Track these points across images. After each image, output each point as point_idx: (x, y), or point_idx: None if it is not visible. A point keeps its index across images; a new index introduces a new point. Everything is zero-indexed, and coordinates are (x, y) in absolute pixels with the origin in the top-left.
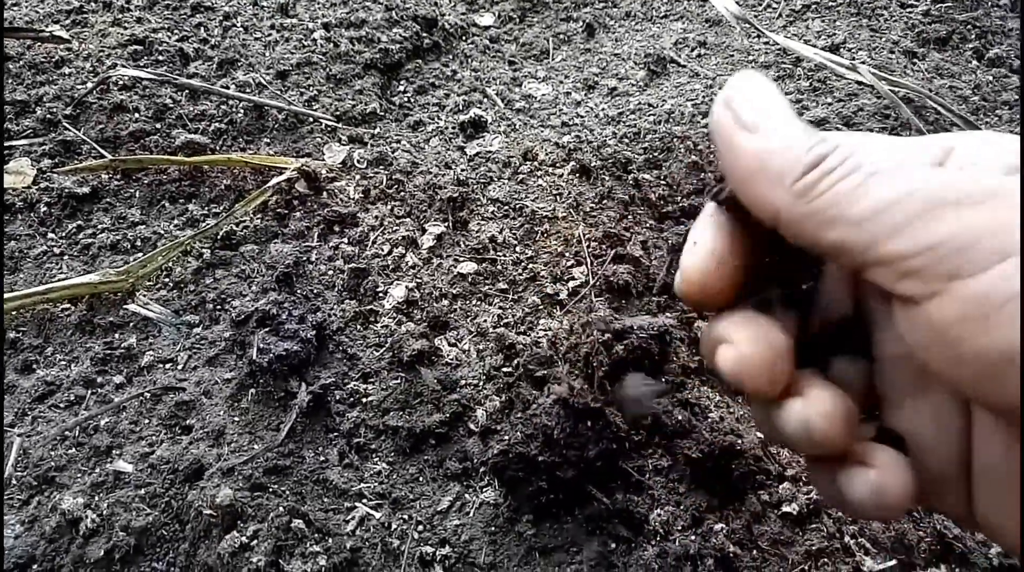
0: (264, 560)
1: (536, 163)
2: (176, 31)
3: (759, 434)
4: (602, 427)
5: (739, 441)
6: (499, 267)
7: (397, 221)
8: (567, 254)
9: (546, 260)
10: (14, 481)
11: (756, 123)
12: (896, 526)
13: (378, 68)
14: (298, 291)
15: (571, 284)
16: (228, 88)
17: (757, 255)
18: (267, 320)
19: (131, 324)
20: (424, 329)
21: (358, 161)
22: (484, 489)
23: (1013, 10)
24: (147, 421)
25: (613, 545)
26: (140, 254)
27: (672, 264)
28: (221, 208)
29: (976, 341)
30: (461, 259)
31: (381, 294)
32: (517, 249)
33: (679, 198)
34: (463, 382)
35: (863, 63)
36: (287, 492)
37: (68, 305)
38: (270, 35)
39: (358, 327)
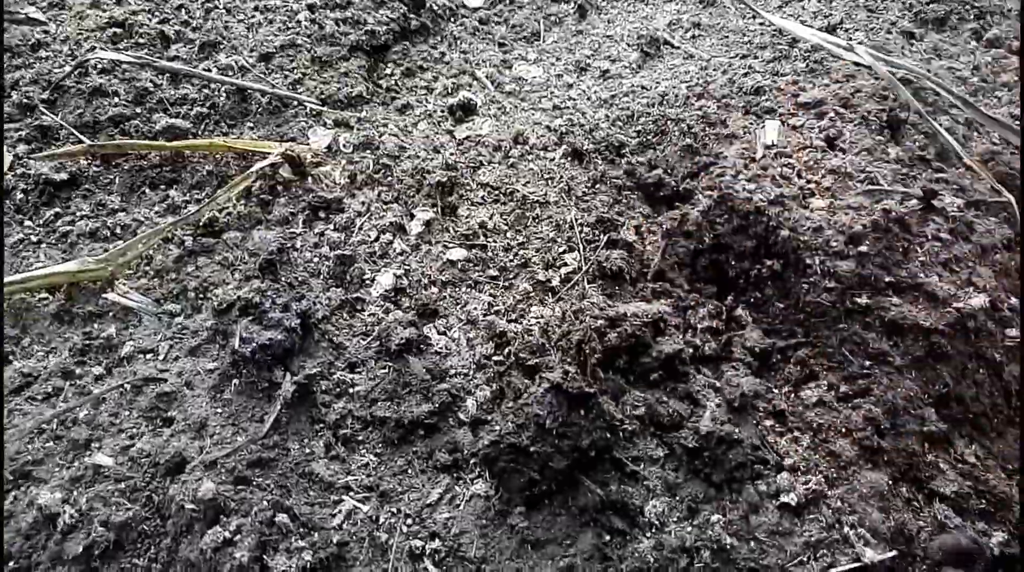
0: (248, 556)
1: (527, 147)
2: (156, 13)
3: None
4: (595, 416)
5: (736, 430)
6: (489, 253)
7: (384, 207)
8: (559, 240)
9: (537, 246)
10: None
11: None
12: (896, 516)
13: (364, 50)
14: (282, 279)
15: (563, 270)
16: (210, 71)
17: None
18: (250, 309)
19: (110, 313)
20: (412, 317)
21: (344, 145)
22: (475, 481)
23: None
24: (127, 413)
25: (607, 537)
26: (120, 242)
27: (666, 250)
28: (203, 194)
29: None
30: (450, 245)
31: (368, 282)
32: (508, 235)
33: (673, 182)
34: (453, 371)
35: (860, 44)
36: (271, 485)
37: (46, 294)
38: (253, 17)
39: (344, 316)
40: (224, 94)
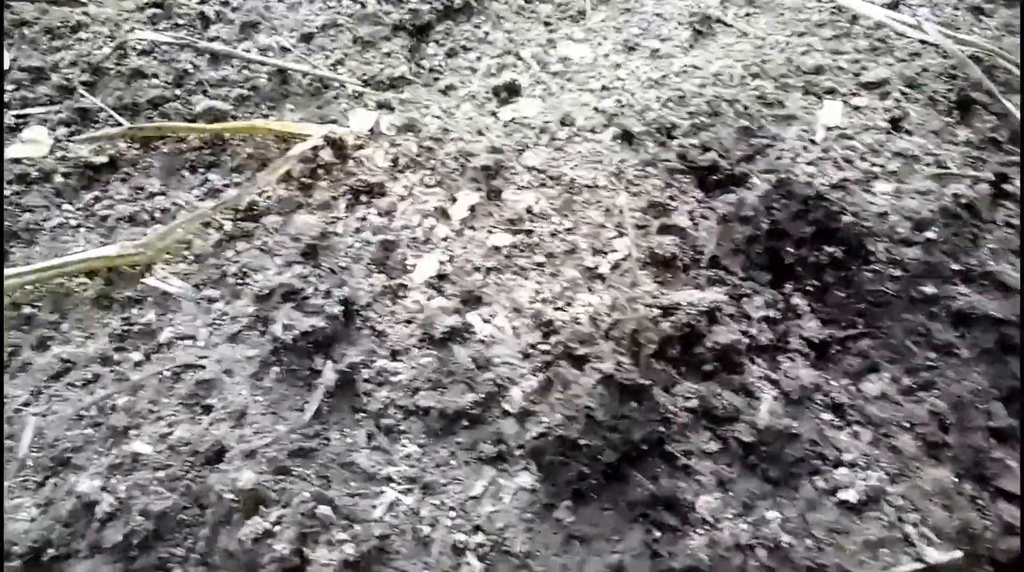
0: (288, 548)
1: (574, 129)
2: None
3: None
4: (648, 408)
5: (794, 424)
6: (535, 239)
7: (427, 190)
8: (608, 225)
9: (585, 231)
10: (29, 462)
11: None
12: (960, 515)
13: (407, 30)
14: (323, 264)
15: (612, 257)
16: (250, 52)
17: None
18: (291, 295)
19: (149, 299)
20: (456, 304)
21: (386, 128)
22: (520, 473)
23: None
24: (166, 400)
25: (657, 533)
26: (159, 226)
27: (721, 235)
28: (243, 178)
29: None
30: (495, 230)
31: (411, 267)
32: (555, 220)
33: (728, 165)
34: (498, 360)
35: (927, 20)
36: (312, 476)
37: (85, 279)
38: None
39: (387, 302)
40: (264, 75)
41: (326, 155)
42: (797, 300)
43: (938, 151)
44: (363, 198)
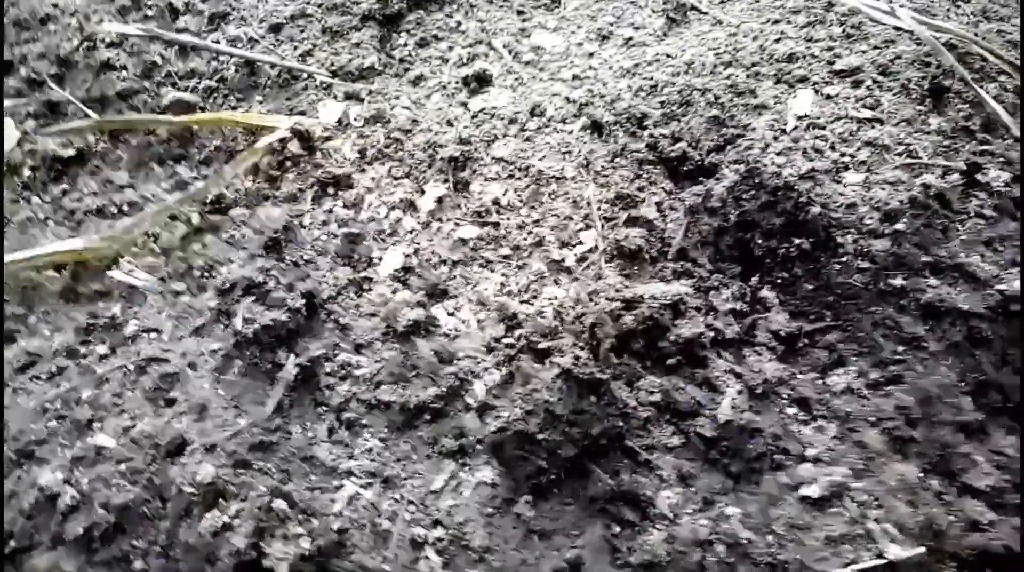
0: (245, 541)
1: (544, 119)
2: None
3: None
4: (607, 403)
5: (757, 418)
6: (502, 231)
7: (395, 182)
8: (576, 217)
9: (553, 223)
10: None
11: None
12: (925, 510)
13: (377, 19)
14: (287, 257)
15: (579, 249)
16: (219, 43)
17: None
18: (253, 288)
19: (116, 292)
20: (421, 297)
21: (355, 119)
22: (481, 468)
23: None
24: (130, 393)
25: (617, 528)
26: (127, 219)
27: (689, 227)
28: (211, 170)
29: None
30: (462, 223)
31: (376, 260)
32: (522, 212)
33: (698, 156)
34: (461, 354)
35: (902, 6)
36: (272, 469)
37: (52, 272)
38: None
39: (351, 295)
40: (233, 67)
41: (294, 147)
42: (765, 292)
43: (910, 140)
44: (330, 190)
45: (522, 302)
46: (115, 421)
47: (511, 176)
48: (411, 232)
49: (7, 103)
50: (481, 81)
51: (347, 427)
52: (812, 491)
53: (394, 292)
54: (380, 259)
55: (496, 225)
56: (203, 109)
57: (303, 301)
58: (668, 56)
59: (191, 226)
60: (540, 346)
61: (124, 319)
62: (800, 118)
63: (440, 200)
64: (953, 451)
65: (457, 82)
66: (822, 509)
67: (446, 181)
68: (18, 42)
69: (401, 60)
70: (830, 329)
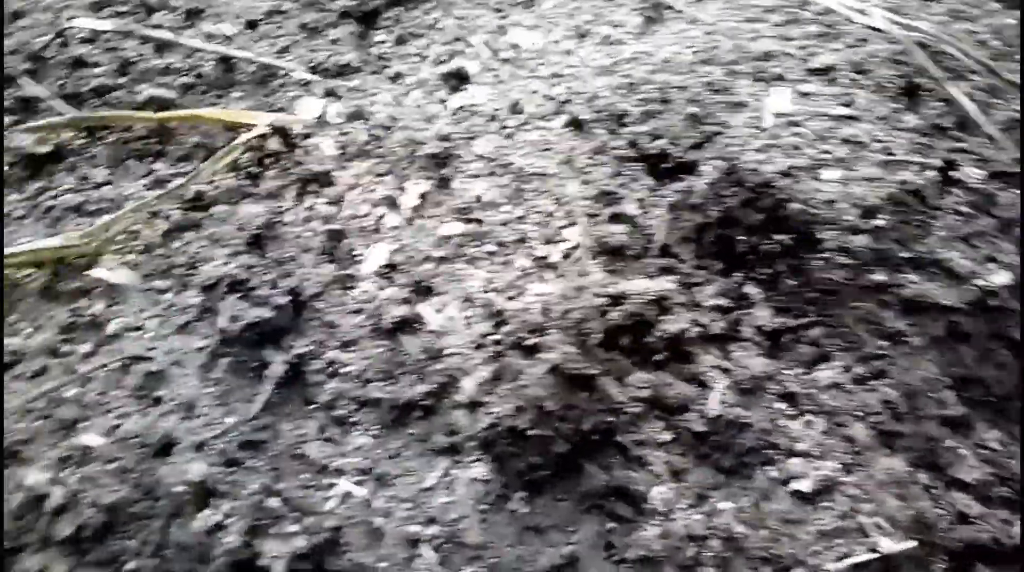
0: (238, 540)
1: (524, 116)
2: None
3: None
4: (597, 398)
5: (745, 414)
6: (486, 228)
7: (376, 179)
8: (558, 214)
9: (536, 220)
10: None
11: None
12: (914, 504)
13: (354, 16)
14: (270, 255)
15: (563, 246)
16: (195, 40)
17: None
18: (237, 285)
19: (97, 290)
20: (407, 294)
21: (334, 116)
22: (473, 464)
23: None
24: (115, 392)
25: (611, 524)
26: (106, 216)
27: (671, 224)
28: (190, 167)
29: None
30: (445, 219)
31: (360, 257)
32: (505, 208)
33: (678, 153)
34: (449, 351)
35: (875, 6)
36: (263, 468)
37: (31, 270)
38: None
39: (336, 292)
40: (210, 63)
41: (273, 144)
42: (749, 288)
43: (885, 138)
44: (311, 187)
45: (508, 299)
46: (101, 420)
47: (493, 173)
48: (394, 229)
49: None
50: (460, 78)
51: (337, 424)
52: (803, 485)
53: (379, 289)
54: (364, 256)
55: (479, 222)
56: (180, 106)
57: (288, 298)
58: (646, 54)
59: (171, 223)
60: (528, 342)
61: (106, 317)
62: (777, 115)
63: (423, 197)
64: (939, 445)
65: (436, 79)
66: (813, 503)
67: (428, 178)
68: None
69: (379, 57)
70: (814, 324)
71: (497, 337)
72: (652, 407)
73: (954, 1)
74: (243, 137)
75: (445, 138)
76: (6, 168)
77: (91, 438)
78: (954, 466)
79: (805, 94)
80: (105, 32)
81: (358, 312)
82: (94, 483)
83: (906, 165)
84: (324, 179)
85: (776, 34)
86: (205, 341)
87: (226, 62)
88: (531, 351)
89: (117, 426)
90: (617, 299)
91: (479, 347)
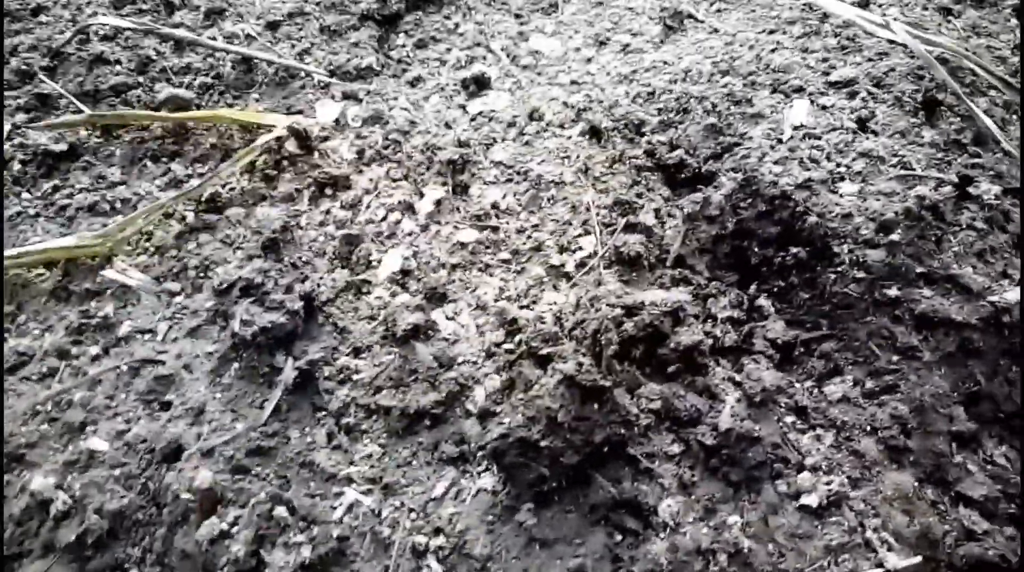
0: (244, 550)
1: (543, 124)
2: None
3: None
4: (610, 410)
5: (756, 427)
6: (501, 235)
7: (393, 184)
8: (574, 222)
9: (552, 229)
10: None
11: None
12: (921, 520)
13: (375, 19)
14: (285, 258)
15: (578, 255)
16: (215, 39)
17: None
18: (251, 289)
19: (109, 291)
20: (420, 301)
21: (352, 119)
22: (482, 475)
23: None
24: (124, 396)
25: (619, 537)
26: (120, 216)
27: (687, 235)
28: (206, 168)
29: None
30: (461, 226)
31: (375, 263)
32: (521, 216)
33: (695, 163)
34: (461, 359)
35: (895, 20)
36: (271, 475)
37: (43, 270)
38: None
39: (349, 298)
40: (229, 63)
41: (291, 146)
42: (762, 301)
43: (903, 152)
44: (328, 191)
45: (522, 307)
46: (108, 424)
47: (510, 180)
48: (410, 235)
49: None
50: (479, 84)
51: (346, 432)
52: (811, 500)
53: (393, 295)
54: (379, 262)
55: (495, 229)
56: (198, 106)
57: (301, 303)
58: (665, 63)
59: (186, 225)
60: (541, 352)
61: (117, 319)
62: (796, 128)
63: (439, 203)
64: (947, 460)
65: (455, 84)
66: (821, 518)
67: (445, 184)
68: (9, 33)
69: (399, 61)
70: (826, 338)
71: (510, 346)
72: (663, 419)
73: (975, 16)
74: (261, 139)
75: (464, 144)
76: (19, 166)
77: (98, 442)
78: (962, 482)
79: (824, 107)
80: (125, 30)
81: (371, 318)
82: (99, 489)
83: (923, 180)
84: (341, 183)
85: (796, 46)
86: (216, 345)
87: (246, 63)
88: (544, 361)
89: (125, 431)
90: (631, 310)
91: (491, 356)
